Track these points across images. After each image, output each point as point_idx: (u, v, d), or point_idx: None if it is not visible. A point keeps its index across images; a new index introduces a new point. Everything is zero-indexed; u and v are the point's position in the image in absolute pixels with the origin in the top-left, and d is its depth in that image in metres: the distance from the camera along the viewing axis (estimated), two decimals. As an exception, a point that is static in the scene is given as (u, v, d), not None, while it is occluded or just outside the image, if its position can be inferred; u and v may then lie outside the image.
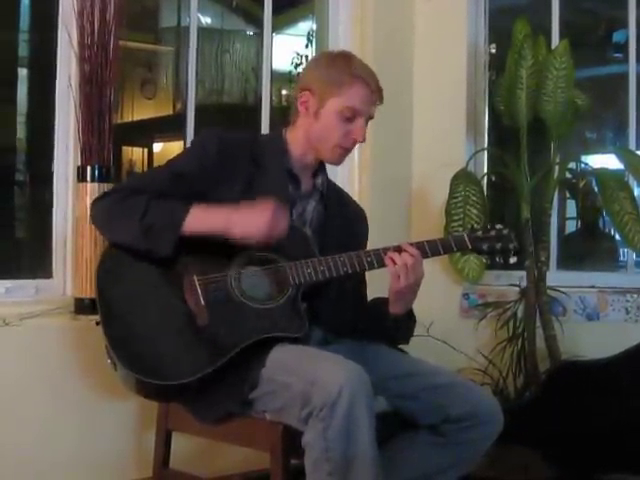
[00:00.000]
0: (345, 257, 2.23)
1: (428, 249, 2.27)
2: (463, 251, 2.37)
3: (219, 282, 2.20)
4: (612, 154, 3.35)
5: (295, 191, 2.36)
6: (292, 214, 2.33)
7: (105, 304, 2.20)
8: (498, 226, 2.32)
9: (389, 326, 2.32)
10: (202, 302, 2.18)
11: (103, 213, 2.24)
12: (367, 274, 2.40)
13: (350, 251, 2.26)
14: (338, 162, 2.40)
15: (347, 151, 2.36)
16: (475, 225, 2.39)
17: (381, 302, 2.34)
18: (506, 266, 2.38)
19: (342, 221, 2.42)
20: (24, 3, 3.78)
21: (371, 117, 2.34)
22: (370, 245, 2.43)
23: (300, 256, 2.24)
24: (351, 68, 2.30)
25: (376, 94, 2.32)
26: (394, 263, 2.21)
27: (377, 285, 2.45)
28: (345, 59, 2.35)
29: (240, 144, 2.33)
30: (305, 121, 2.34)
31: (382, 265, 2.24)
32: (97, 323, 2.19)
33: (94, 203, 2.28)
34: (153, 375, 2.13)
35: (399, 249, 2.23)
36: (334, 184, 2.57)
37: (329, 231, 2.39)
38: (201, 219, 2.17)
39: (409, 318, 2.35)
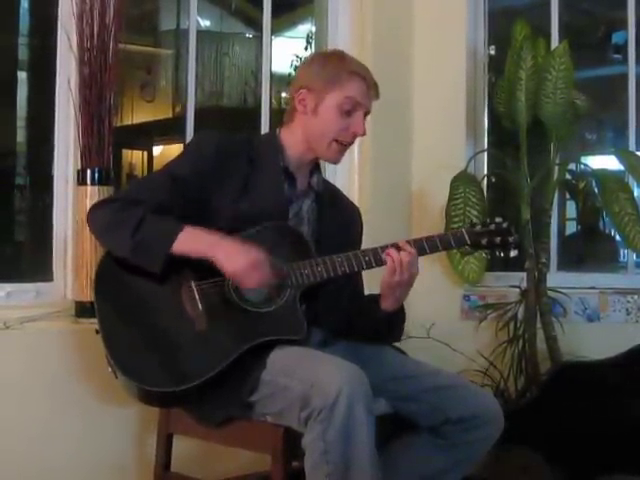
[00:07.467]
0: (343, 257, 2.23)
1: (427, 246, 2.26)
2: (462, 247, 2.32)
3: (216, 287, 2.20)
4: (612, 155, 3.35)
5: (291, 190, 2.36)
6: (289, 213, 2.34)
7: (103, 313, 2.20)
8: (497, 219, 2.31)
9: (380, 323, 2.32)
10: (200, 308, 2.18)
11: (99, 222, 2.23)
12: (367, 272, 2.39)
13: (346, 249, 2.26)
14: (336, 159, 2.39)
15: (345, 147, 2.36)
16: (474, 220, 2.37)
17: (373, 298, 2.34)
18: (506, 262, 2.35)
19: (337, 219, 2.42)
20: (24, 7, 3.78)
21: (368, 112, 2.35)
22: (369, 246, 2.42)
23: (298, 257, 2.24)
24: (347, 65, 2.32)
25: (373, 89, 2.34)
26: (392, 259, 2.22)
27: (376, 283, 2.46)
28: (339, 57, 2.37)
29: (236, 145, 2.33)
30: (303, 118, 2.34)
31: (380, 264, 2.24)
32: (97, 331, 2.19)
33: (92, 209, 2.27)
34: (154, 383, 2.13)
35: (397, 247, 2.23)
36: (329, 183, 2.58)
37: (325, 229, 2.39)
38: (189, 243, 2.15)
39: (399, 316, 2.34)
